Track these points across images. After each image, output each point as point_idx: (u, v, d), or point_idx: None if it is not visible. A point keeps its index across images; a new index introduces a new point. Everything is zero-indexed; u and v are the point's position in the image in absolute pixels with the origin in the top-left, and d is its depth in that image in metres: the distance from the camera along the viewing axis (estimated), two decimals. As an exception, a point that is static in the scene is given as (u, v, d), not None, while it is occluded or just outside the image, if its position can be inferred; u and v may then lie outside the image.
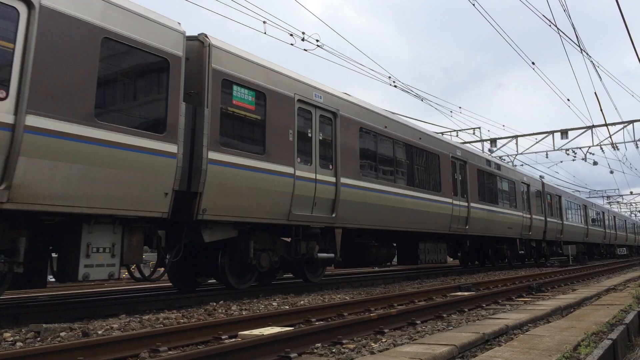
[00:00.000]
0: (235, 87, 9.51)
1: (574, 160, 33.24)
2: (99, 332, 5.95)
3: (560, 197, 30.44)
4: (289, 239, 11.14)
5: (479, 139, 31.91)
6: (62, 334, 5.79)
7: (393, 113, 15.43)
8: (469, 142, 31.38)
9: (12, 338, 5.65)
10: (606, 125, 28.04)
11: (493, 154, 30.35)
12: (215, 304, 8.78)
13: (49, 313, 7.38)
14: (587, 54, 17.80)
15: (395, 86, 20.77)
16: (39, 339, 5.68)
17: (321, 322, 6.73)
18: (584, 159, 33.00)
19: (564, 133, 29.79)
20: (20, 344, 5.47)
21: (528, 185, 25.04)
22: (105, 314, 7.69)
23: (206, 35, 9.18)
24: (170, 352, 4.97)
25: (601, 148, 31.38)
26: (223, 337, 5.68)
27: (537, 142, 31.17)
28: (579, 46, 16.65)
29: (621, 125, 28.75)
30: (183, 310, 8.05)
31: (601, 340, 5.21)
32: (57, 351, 4.52)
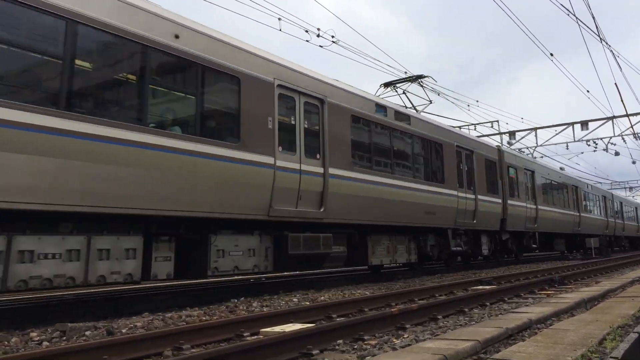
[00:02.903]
0: (509, 168, 19.75)
1: (594, 151, 32.70)
2: (123, 331, 6.02)
3: (621, 202, 39.65)
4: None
5: (497, 132, 31.56)
6: (87, 332, 5.87)
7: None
8: (488, 135, 31.08)
9: (38, 337, 5.74)
10: (627, 115, 27.52)
11: (512, 147, 30.04)
12: (236, 300, 8.84)
13: (74, 312, 7.49)
14: (607, 43, 17.50)
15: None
16: (64, 338, 5.76)
17: (342, 318, 6.73)
18: (605, 150, 32.42)
19: (584, 124, 29.30)
20: (47, 343, 5.56)
21: (605, 197, 34.69)
22: (129, 312, 7.78)
23: (500, 146, 20.52)
24: (193, 350, 5.01)
25: (623, 138, 30.84)
26: (245, 334, 5.71)
27: (557, 134, 30.76)
28: (599, 35, 16.36)
29: (643, 115, 28.17)
30: (205, 307, 8.10)
31: (627, 333, 5.13)
32: (82, 350, 4.59)
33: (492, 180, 18.19)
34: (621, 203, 39.52)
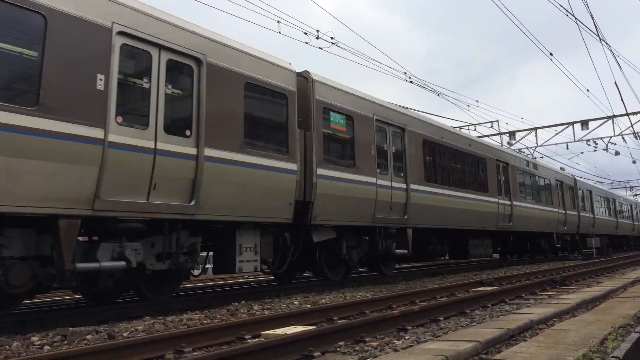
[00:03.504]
0: (331, 113, 11.44)
1: (595, 151, 32.74)
2: (124, 334, 6.02)
3: (591, 191, 30.87)
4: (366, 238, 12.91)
5: (497, 132, 31.60)
6: (88, 336, 5.87)
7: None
8: (487, 136, 31.11)
9: (39, 342, 5.75)
10: (627, 114, 27.55)
11: (512, 147, 30.05)
12: (237, 304, 8.84)
13: (75, 316, 7.48)
14: (606, 42, 17.53)
15: (411, 82, 20.66)
16: (65, 342, 5.76)
17: (344, 321, 6.73)
18: (606, 150, 32.46)
19: (584, 124, 29.34)
20: (48, 347, 5.56)
21: (561, 182, 25.89)
22: (130, 316, 7.78)
23: (309, 72, 11.02)
24: (194, 353, 5.01)
25: (623, 138, 30.91)
26: (246, 337, 5.71)
27: (557, 134, 30.80)
28: (598, 35, 16.38)
29: (643, 114, 28.22)
30: (206, 311, 8.10)
31: (629, 333, 5.13)
32: (84, 354, 4.59)
33: (269, 128, 9.89)
34: (590, 192, 31.12)
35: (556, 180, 25.30)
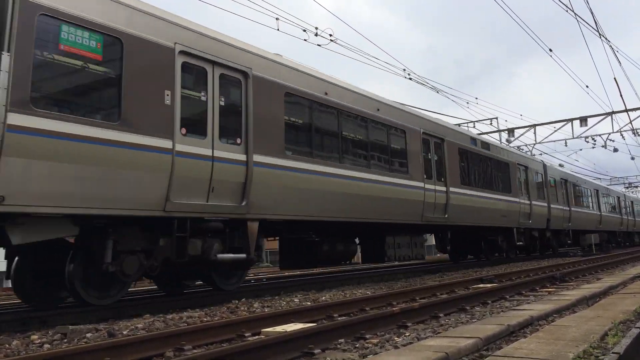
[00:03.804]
0: (65, 27, 6.79)
1: (593, 147, 32.72)
2: (124, 333, 6.02)
3: (565, 180, 26.54)
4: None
5: (496, 129, 31.62)
6: (88, 334, 5.86)
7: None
8: (487, 133, 31.10)
9: (39, 340, 5.74)
10: (626, 110, 27.54)
11: (511, 144, 30.01)
12: (237, 301, 8.83)
13: (75, 314, 7.47)
14: (606, 38, 17.53)
15: (410, 79, 20.64)
16: (65, 340, 5.75)
17: (344, 318, 6.73)
18: (604, 146, 32.48)
19: (583, 120, 29.32)
20: (48, 345, 5.55)
21: (526, 168, 21.57)
22: (130, 314, 7.77)
23: None
24: (194, 351, 5.00)
25: (621, 134, 30.90)
26: (246, 334, 5.70)
27: (555, 131, 30.75)
28: (598, 31, 16.38)
29: (642, 111, 28.22)
30: (206, 308, 8.10)
31: (629, 329, 5.13)
32: (84, 352, 4.58)
33: None
34: (565, 181, 26.36)
35: (518, 164, 20.69)
